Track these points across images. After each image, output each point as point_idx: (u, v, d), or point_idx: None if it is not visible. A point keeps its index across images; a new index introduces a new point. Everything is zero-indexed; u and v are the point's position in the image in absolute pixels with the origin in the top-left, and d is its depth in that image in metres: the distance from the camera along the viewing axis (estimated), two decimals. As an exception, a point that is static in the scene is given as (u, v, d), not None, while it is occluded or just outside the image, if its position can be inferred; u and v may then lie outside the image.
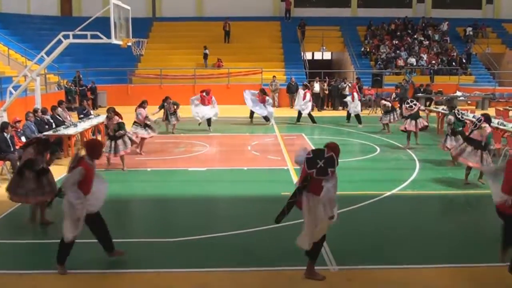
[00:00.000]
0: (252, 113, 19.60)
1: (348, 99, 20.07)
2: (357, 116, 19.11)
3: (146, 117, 13.48)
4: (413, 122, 14.38)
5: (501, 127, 13.10)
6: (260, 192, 9.98)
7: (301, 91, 19.65)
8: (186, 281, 6.11)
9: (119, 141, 11.56)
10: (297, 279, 6.07)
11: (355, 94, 19.29)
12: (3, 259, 6.78)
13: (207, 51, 28.83)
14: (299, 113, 19.62)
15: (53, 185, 7.91)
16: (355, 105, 19.17)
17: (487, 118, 10.14)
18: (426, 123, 14.86)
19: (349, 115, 19.92)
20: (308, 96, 19.39)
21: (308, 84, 21.42)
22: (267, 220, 8.07)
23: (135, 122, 13.45)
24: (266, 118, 19.47)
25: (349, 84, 24.76)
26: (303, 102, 19.29)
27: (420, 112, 15.17)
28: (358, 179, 11.02)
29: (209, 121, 17.66)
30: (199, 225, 7.97)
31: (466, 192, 9.94)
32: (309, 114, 19.64)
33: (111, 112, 11.74)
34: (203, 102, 17.55)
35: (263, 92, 19.55)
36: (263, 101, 19.24)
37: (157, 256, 6.78)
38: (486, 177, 8.04)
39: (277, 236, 7.50)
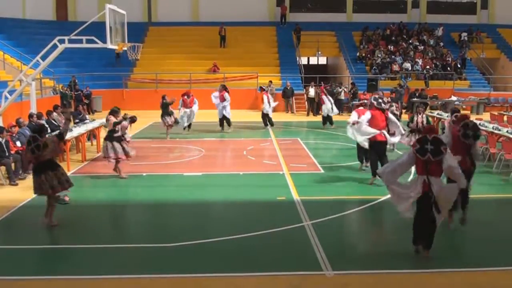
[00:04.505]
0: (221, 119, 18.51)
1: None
2: (328, 118, 19.59)
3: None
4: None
5: (496, 131, 13.13)
6: (255, 196, 9.96)
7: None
8: (181, 287, 6.09)
9: (117, 144, 11.19)
10: (295, 284, 6.05)
11: (324, 97, 19.64)
12: (-3, 264, 6.73)
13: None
14: (327, 117, 19.67)
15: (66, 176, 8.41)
16: (326, 107, 19.47)
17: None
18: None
19: (324, 119, 19.88)
20: (265, 98, 19.06)
21: (264, 87, 21.00)
22: (263, 225, 8.08)
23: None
24: (222, 122, 18.42)
25: (345, 89, 24.90)
26: (269, 106, 19.11)
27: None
28: (353, 183, 11.02)
29: (189, 124, 17.97)
30: (195, 230, 7.94)
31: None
32: (266, 116, 19.38)
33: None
34: (185, 105, 17.54)
35: (223, 87, 18.20)
36: (222, 99, 17.90)
37: (152, 261, 6.74)
38: None
39: (274, 240, 7.49)
